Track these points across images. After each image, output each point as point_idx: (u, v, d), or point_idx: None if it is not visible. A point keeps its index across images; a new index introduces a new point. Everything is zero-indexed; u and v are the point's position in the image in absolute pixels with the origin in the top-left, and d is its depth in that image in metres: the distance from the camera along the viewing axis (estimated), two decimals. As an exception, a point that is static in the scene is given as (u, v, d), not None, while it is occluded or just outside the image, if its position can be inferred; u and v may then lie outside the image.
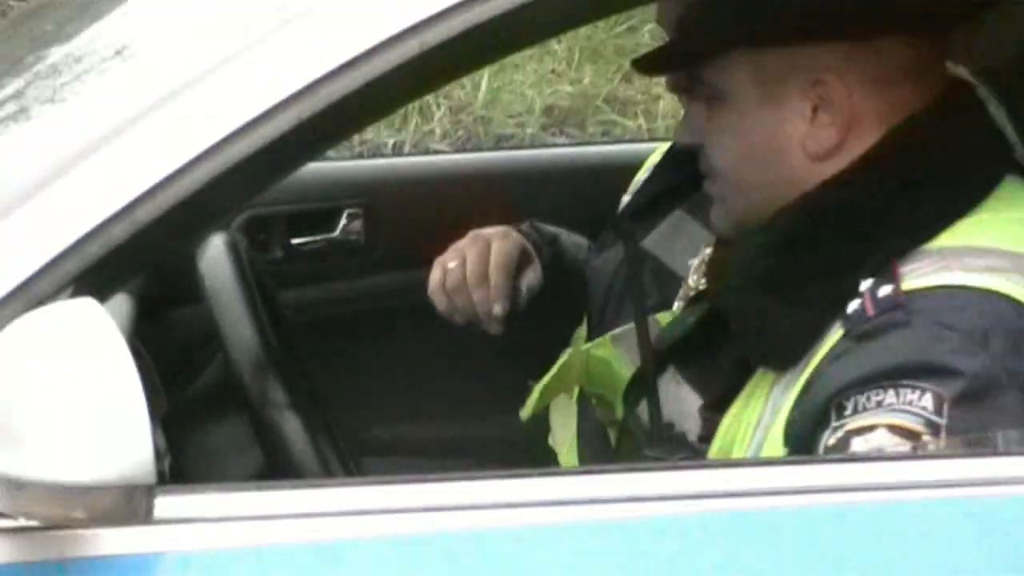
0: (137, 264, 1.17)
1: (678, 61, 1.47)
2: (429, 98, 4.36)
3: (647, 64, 1.52)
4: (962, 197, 1.27)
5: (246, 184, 1.13)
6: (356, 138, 3.93)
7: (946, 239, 1.25)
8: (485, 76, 4.55)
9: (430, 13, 1.06)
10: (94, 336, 0.94)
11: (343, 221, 2.23)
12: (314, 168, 2.05)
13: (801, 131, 1.29)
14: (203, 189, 1.03)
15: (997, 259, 1.22)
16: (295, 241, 2.22)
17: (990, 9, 1.44)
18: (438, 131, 4.57)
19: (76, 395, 0.92)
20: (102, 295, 1.01)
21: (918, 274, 1.21)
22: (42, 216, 1.03)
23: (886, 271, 1.22)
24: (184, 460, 1.57)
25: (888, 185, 1.27)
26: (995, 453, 1.10)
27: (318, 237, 2.23)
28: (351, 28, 1.08)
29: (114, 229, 1.02)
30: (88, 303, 0.96)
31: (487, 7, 1.06)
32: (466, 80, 4.37)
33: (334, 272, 2.28)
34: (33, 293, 1.00)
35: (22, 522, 0.95)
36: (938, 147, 1.29)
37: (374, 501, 1.06)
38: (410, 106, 4.19)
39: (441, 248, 1.73)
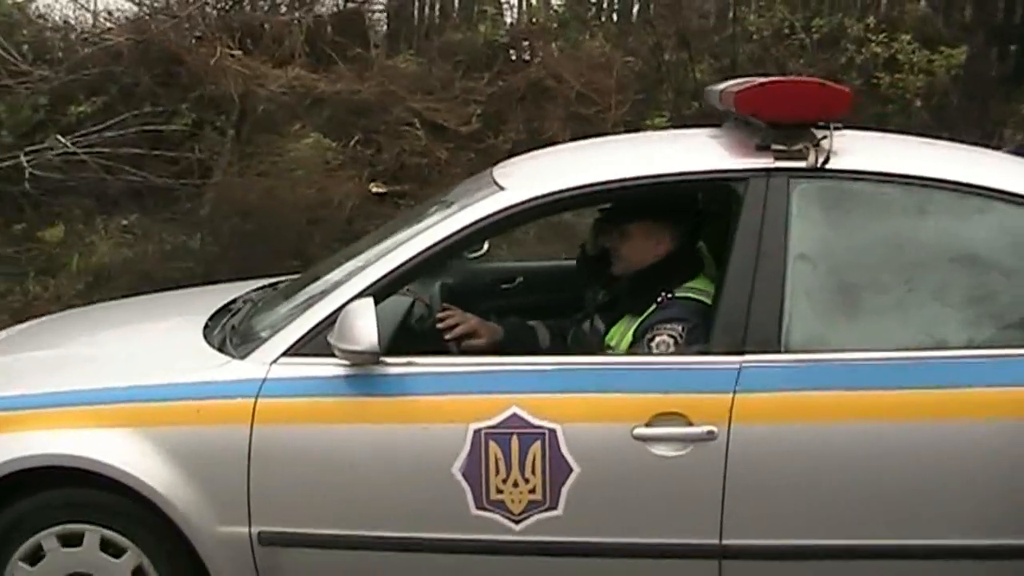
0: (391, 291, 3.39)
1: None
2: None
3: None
4: (691, 272, 3.51)
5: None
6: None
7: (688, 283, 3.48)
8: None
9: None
10: (366, 307, 3.14)
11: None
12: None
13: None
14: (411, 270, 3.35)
15: (700, 292, 3.46)
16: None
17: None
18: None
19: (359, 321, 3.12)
20: (377, 298, 3.22)
21: (678, 292, 3.44)
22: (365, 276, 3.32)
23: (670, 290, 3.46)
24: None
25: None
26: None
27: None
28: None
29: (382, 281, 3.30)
30: (368, 300, 3.19)
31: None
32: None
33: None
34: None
35: (344, 362, 3.20)
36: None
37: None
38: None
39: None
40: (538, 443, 3.11)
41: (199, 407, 3.24)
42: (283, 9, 9.52)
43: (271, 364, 3.25)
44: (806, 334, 3.18)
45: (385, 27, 10.40)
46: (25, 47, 8.45)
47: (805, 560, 3.12)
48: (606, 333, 3.58)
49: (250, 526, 3.21)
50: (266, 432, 3.18)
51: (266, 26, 8.91)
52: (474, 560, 3.19)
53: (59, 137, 7.78)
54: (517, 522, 3.14)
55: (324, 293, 3.37)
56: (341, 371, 3.19)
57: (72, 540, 3.30)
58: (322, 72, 8.74)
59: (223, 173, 7.99)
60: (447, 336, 3.59)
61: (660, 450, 3.09)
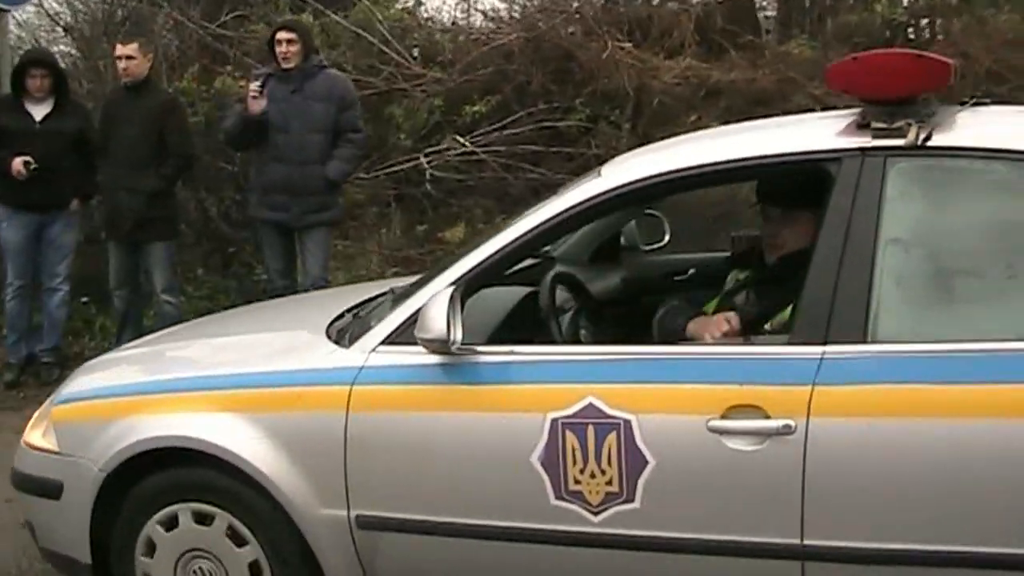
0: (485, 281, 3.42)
1: None
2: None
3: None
4: None
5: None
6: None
7: None
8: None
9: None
10: (442, 298, 3.16)
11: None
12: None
13: None
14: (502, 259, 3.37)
15: None
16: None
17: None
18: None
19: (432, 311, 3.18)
20: (471, 288, 3.34)
21: None
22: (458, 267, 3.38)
23: None
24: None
25: None
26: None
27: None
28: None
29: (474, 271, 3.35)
30: (447, 290, 3.19)
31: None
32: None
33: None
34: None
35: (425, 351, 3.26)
36: None
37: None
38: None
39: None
40: (613, 434, 3.06)
41: (301, 393, 3.39)
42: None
43: (370, 352, 3.36)
44: (895, 324, 2.98)
45: (775, 12, 10.16)
46: (416, 51, 8.72)
47: (893, 566, 2.91)
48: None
49: (349, 510, 3.33)
50: (360, 418, 3.29)
51: (653, 17, 8.82)
52: (555, 551, 3.17)
53: (457, 137, 8.04)
54: (596, 513, 3.10)
55: (424, 283, 3.45)
56: (427, 360, 3.26)
57: (204, 519, 3.53)
58: (714, 61, 8.57)
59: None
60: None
61: (735, 444, 2.98)
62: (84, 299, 7.88)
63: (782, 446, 2.93)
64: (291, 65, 6.47)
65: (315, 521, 3.36)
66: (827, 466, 2.91)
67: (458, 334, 3.19)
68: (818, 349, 2.96)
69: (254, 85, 6.42)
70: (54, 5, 10.52)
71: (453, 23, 9.38)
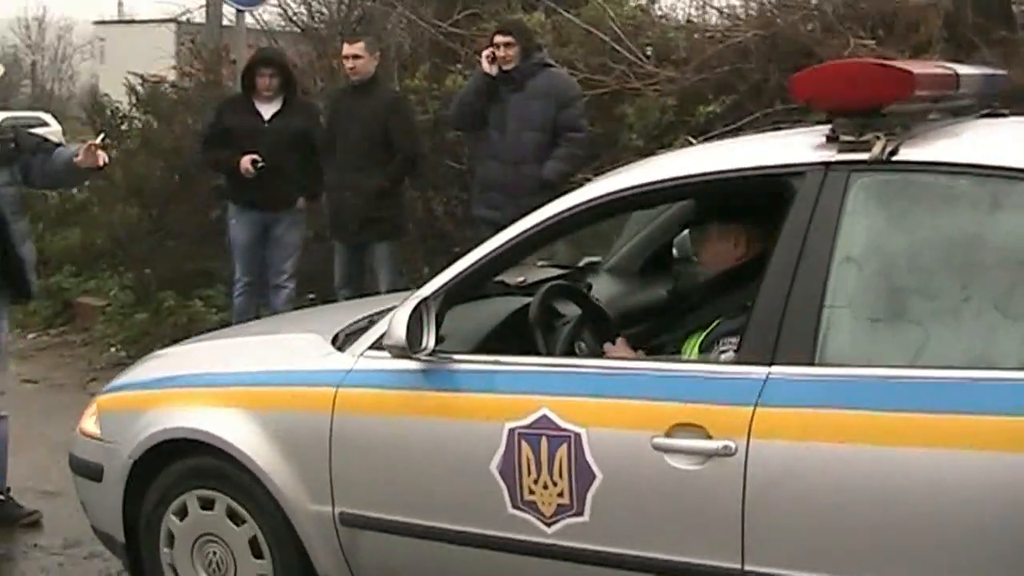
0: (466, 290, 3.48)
1: None
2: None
3: None
4: None
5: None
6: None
7: None
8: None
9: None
10: (408, 305, 3.27)
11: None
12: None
13: None
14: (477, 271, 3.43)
15: None
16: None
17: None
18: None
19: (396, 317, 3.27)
20: (452, 296, 3.40)
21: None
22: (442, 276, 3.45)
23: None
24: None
25: None
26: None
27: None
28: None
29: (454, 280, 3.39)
30: (415, 299, 3.29)
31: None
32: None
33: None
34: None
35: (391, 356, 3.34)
36: None
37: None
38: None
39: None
40: (564, 446, 3.05)
41: (294, 393, 3.52)
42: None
43: (359, 357, 3.46)
44: (845, 346, 2.85)
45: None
46: (650, 49, 8.45)
47: (836, 597, 2.79)
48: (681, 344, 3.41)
49: (333, 507, 3.43)
50: (343, 419, 3.39)
51: (898, 13, 8.21)
52: (511, 559, 3.18)
53: (690, 139, 7.88)
54: (548, 525, 3.10)
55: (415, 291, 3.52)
56: (403, 366, 3.32)
57: (207, 505, 3.70)
58: (963, 57, 8.24)
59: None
60: None
61: (678, 463, 2.92)
62: (311, 296, 7.83)
63: (722, 467, 2.86)
64: (510, 67, 6.45)
65: (304, 515, 3.48)
66: (767, 490, 2.82)
67: (430, 342, 3.25)
68: (763, 369, 2.87)
69: (487, 52, 6.48)
70: (292, 6, 11.02)
71: (688, 20, 9.09)
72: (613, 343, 3.54)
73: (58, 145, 5.18)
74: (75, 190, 10.23)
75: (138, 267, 9.24)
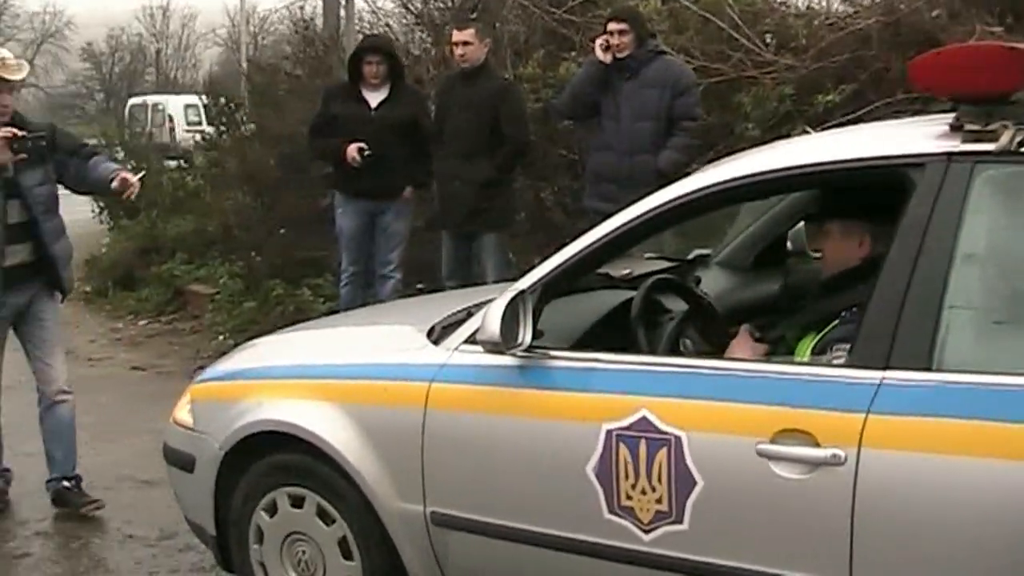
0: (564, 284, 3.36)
1: None
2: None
3: None
4: None
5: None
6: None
7: None
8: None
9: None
10: (503, 300, 3.14)
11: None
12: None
13: None
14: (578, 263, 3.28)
15: None
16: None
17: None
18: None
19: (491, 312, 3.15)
20: (551, 290, 3.30)
21: None
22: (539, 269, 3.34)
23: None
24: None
25: None
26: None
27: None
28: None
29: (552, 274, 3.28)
30: (510, 293, 3.16)
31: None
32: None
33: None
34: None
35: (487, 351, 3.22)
36: None
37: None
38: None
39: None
40: (664, 450, 2.91)
41: (386, 387, 3.42)
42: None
43: (453, 351, 3.35)
44: (966, 350, 2.66)
45: None
46: (768, 36, 8.28)
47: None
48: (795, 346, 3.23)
49: (424, 505, 3.33)
50: (436, 415, 3.29)
51: None
52: (607, 566, 3.05)
53: (808, 128, 7.69)
54: (646, 532, 2.96)
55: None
56: (498, 361, 3.21)
57: (297, 503, 3.63)
58: None
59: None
60: None
61: (783, 471, 2.76)
62: (419, 286, 7.71)
63: (831, 477, 2.69)
64: (624, 55, 6.33)
65: (394, 513, 3.39)
66: (878, 503, 2.65)
67: (526, 337, 3.13)
68: (877, 374, 2.69)
69: (600, 40, 6.38)
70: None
71: (808, 7, 8.81)
72: (728, 337, 3.39)
73: (95, 152, 5.25)
74: (188, 177, 10.33)
75: (247, 255, 9.29)
